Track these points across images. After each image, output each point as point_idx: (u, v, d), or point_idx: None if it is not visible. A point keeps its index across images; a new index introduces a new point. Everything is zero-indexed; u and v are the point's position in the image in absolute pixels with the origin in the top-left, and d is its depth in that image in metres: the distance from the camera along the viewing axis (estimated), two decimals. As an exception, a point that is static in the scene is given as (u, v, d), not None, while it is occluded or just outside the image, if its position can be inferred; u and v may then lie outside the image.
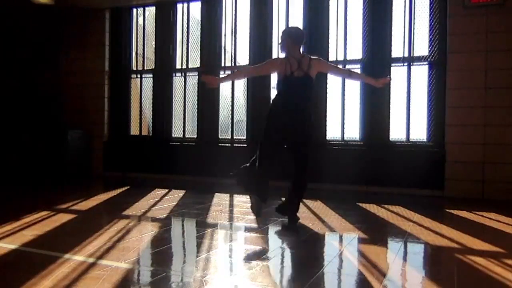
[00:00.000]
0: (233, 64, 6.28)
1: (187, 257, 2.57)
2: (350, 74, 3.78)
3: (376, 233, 3.22)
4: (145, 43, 7.01)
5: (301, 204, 4.34)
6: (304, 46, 3.42)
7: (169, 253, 2.61)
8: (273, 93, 6.06)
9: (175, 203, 4.32)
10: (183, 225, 3.55)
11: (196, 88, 6.52)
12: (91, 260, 2.31)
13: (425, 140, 5.28)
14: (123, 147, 6.86)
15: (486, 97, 4.88)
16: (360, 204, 4.43)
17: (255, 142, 5.98)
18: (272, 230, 3.23)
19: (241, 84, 6.39)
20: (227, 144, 6.23)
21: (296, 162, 3.35)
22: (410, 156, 5.20)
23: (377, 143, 5.39)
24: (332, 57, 5.67)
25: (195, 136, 6.54)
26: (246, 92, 6.20)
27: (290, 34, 3.38)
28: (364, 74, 4.10)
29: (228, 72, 6.25)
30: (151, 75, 6.83)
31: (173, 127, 6.70)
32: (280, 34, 3.47)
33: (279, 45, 3.47)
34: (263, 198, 3.46)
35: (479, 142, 4.90)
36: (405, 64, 5.35)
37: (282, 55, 3.45)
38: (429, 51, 5.25)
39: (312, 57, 3.40)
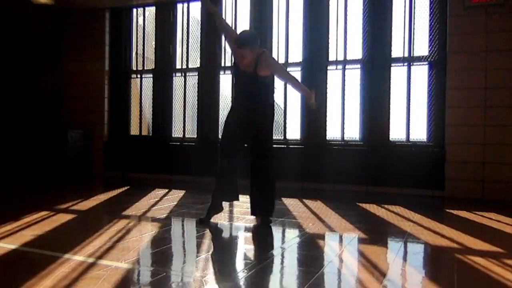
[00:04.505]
0: (233, 64, 6.28)
1: (187, 257, 2.57)
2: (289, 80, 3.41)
3: (376, 233, 3.22)
4: (145, 43, 7.01)
5: (301, 204, 4.36)
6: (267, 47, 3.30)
7: (169, 253, 2.61)
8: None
9: (175, 203, 4.32)
10: (183, 225, 3.55)
11: (196, 88, 6.52)
12: (91, 260, 2.31)
13: (425, 140, 5.28)
14: (123, 147, 6.86)
15: (486, 97, 4.88)
16: (360, 204, 4.43)
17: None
18: (272, 230, 3.22)
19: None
20: (227, 144, 6.21)
21: (254, 157, 3.31)
22: (410, 156, 5.20)
23: (377, 143, 5.39)
24: (332, 57, 5.67)
25: (195, 136, 6.54)
26: (246, 92, 6.19)
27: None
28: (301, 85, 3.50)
29: (228, 72, 6.26)
30: (151, 75, 6.83)
31: (173, 127, 6.70)
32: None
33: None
34: (228, 198, 3.50)
35: (479, 142, 4.90)
36: (405, 64, 5.35)
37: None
38: (429, 51, 5.25)
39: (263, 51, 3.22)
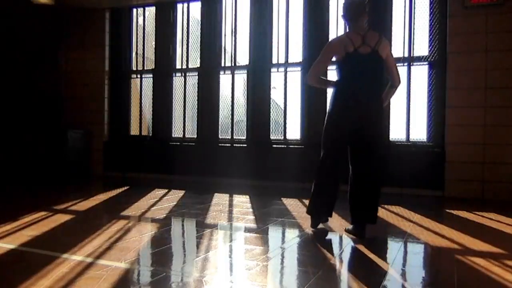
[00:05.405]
0: (233, 64, 6.28)
1: (187, 257, 2.57)
2: (392, 86, 3.29)
3: (376, 233, 3.21)
4: (145, 43, 7.01)
5: (301, 204, 4.36)
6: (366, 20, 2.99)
7: (169, 253, 2.61)
8: (273, 92, 6.09)
9: (175, 203, 4.32)
10: (182, 225, 3.54)
11: (196, 88, 6.52)
12: (90, 260, 2.31)
13: (425, 140, 5.28)
14: (123, 147, 6.86)
15: (486, 97, 4.88)
16: (360, 204, 4.41)
17: (256, 142, 6.01)
18: (272, 230, 3.22)
19: (241, 84, 6.40)
20: (227, 144, 6.22)
21: (365, 164, 3.10)
22: (410, 156, 5.20)
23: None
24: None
25: (195, 136, 6.54)
26: (246, 92, 6.20)
27: (344, 8, 2.92)
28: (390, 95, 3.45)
29: (228, 72, 6.26)
30: (151, 75, 6.83)
31: (173, 127, 6.70)
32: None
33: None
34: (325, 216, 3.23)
35: (479, 142, 4.90)
36: (405, 64, 5.35)
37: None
38: (429, 51, 5.25)
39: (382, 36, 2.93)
